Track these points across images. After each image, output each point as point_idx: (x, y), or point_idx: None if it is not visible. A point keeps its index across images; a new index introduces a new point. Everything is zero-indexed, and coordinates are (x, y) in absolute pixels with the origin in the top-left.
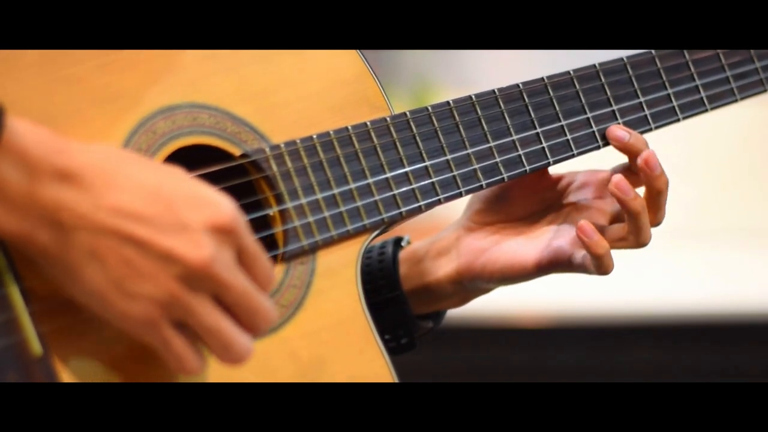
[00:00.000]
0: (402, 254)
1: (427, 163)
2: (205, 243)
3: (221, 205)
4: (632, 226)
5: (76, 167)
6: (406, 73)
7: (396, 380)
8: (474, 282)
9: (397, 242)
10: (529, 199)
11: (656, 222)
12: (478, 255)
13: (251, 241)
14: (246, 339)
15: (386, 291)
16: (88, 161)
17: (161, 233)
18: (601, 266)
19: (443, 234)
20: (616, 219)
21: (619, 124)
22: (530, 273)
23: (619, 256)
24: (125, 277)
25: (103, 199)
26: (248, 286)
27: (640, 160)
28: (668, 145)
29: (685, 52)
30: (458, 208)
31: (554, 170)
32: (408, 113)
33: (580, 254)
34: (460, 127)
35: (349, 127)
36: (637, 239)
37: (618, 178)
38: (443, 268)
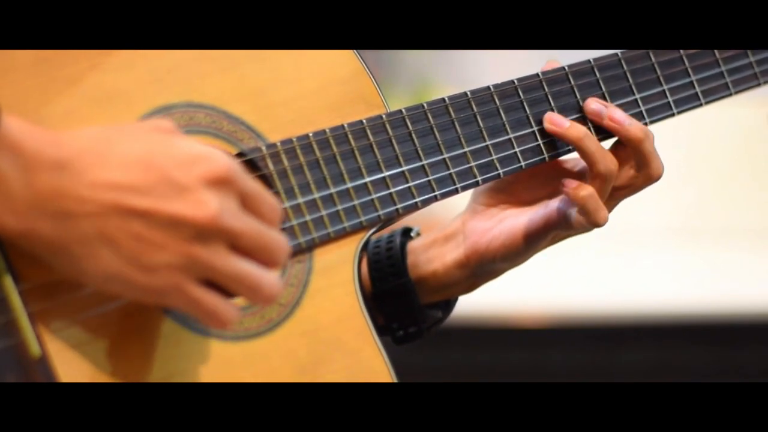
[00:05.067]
0: (410, 244)
1: (423, 160)
2: (207, 199)
3: (214, 158)
4: (638, 157)
5: (69, 154)
6: (406, 73)
7: (394, 379)
8: (481, 263)
9: (406, 232)
10: (534, 180)
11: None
12: (483, 235)
13: (250, 183)
14: (271, 275)
15: (393, 278)
16: (79, 146)
17: (162, 200)
18: (588, 213)
19: (451, 221)
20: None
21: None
22: (531, 241)
23: (619, 255)
24: (139, 252)
25: (99, 178)
26: (258, 226)
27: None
28: (668, 145)
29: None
30: (456, 204)
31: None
32: (404, 110)
33: (574, 211)
34: (456, 123)
35: (345, 125)
36: (649, 172)
37: (612, 111)
38: (451, 253)
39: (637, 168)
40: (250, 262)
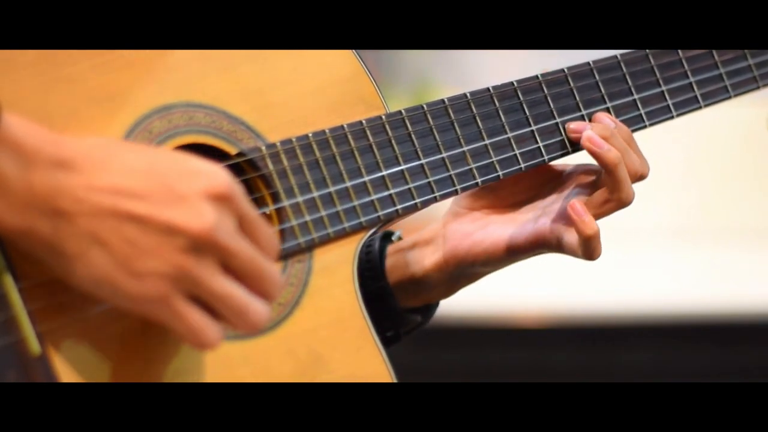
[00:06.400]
0: (390, 248)
1: (423, 161)
2: (205, 211)
3: (216, 174)
4: (611, 182)
5: (70, 155)
6: (406, 73)
7: (393, 378)
8: (460, 267)
9: (386, 236)
10: (518, 185)
11: (639, 174)
12: (464, 239)
13: (250, 208)
14: (260, 303)
15: (371, 282)
16: (81, 149)
17: (160, 207)
18: (588, 249)
19: (432, 225)
20: None
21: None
22: (516, 253)
23: (619, 255)
24: (130, 256)
25: (98, 182)
26: (253, 251)
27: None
28: (669, 145)
29: (679, 50)
30: None
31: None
32: (403, 111)
33: (569, 236)
34: (455, 124)
35: (345, 126)
36: (620, 197)
37: (589, 132)
38: (430, 257)
39: (610, 192)
40: (240, 285)
